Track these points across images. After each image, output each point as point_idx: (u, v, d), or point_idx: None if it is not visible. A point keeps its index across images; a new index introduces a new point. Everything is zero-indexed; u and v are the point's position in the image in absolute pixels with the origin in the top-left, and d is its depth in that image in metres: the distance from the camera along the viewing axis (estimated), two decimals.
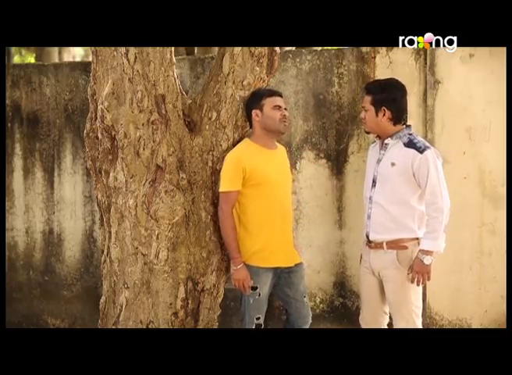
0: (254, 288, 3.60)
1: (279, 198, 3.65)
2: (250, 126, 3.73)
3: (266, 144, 3.68)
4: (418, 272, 3.43)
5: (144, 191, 3.58)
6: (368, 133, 3.72)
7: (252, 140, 3.70)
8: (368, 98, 3.56)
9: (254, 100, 3.66)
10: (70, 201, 5.05)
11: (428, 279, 3.46)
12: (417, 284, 3.46)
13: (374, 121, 3.55)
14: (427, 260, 3.41)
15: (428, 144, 3.54)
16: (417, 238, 3.49)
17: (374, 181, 3.58)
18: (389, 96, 3.52)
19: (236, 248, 3.59)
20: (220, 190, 3.62)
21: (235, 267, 3.59)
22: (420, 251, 3.43)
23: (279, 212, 3.64)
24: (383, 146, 3.58)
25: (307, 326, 3.80)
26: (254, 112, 3.65)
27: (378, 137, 3.63)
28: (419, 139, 3.53)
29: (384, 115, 3.52)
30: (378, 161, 3.58)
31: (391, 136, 3.54)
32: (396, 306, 3.54)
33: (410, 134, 3.53)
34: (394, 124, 3.53)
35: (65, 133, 5.03)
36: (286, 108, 3.69)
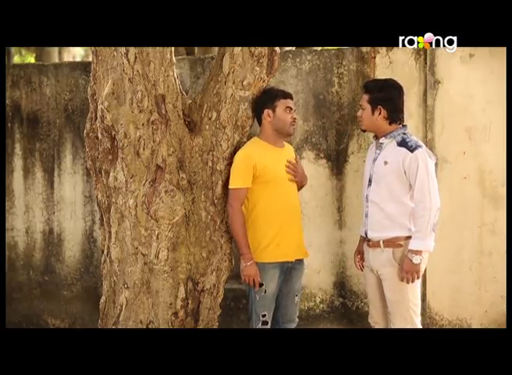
0: (260, 285, 3.62)
1: (287, 194, 3.70)
2: (259, 124, 3.76)
3: (275, 143, 3.73)
4: (408, 271, 3.44)
5: (144, 191, 3.58)
6: (363, 131, 3.79)
7: (261, 138, 3.73)
8: (365, 97, 3.61)
9: (268, 99, 3.69)
10: (70, 201, 5.05)
11: (418, 278, 3.47)
12: (407, 283, 3.47)
13: (370, 119, 3.59)
14: (416, 260, 3.42)
15: (420, 143, 3.56)
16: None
17: (370, 180, 3.62)
18: (386, 95, 3.56)
19: (247, 245, 3.61)
20: (230, 187, 3.65)
21: (245, 263, 3.62)
22: (409, 250, 3.45)
23: (288, 208, 3.68)
24: (378, 146, 3.62)
25: (293, 326, 3.81)
26: (266, 112, 3.68)
27: (376, 136, 3.66)
28: (412, 138, 3.56)
29: (380, 113, 3.55)
30: (374, 160, 3.62)
31: (385, 135, 3.57)
32: (393, 304, 3.55)
33: (404, 134, 3.56)
34: (390, 123, 3.57)
35: (65, 133, 5.03)
36: (295, 110, 3.76)
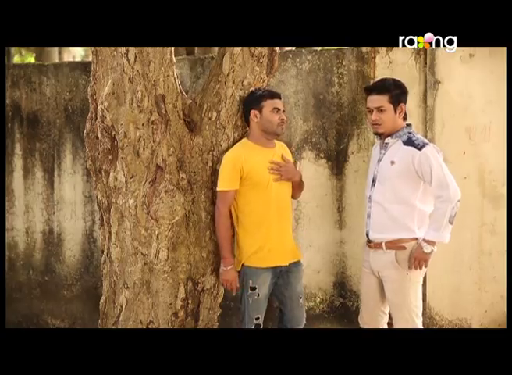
0: (252, 288, 3.60)
1: (277, 197, 3.64)
2: (248, 125, 3.73)
3: (264, 144, 3.67)
4: (416, 258, 3.45)
5: (144, 191, 3.58)
6: (380, 134, 3.61)
7: (250, 139, 3.69)
8: (383, 98, 3.51)
9: (254, 100, 3.64)
10: (70, 201, 5.04)
11: (425, 266, 3.48)
12: (414, 268, 3.46)
13: (393, 119, 3.53)
14: (426, 248, 3.42)
15: (426, 141, 3.55)
16: (417, 238, 3.49)
17: (374, 180, 3.60)
18: (403, 91, 3.56)
19: (228, 248, 3.60)
20: (217, 189, 3.63)
21: (224, 267, 3.61)
22: (422, 239, 3.45)
23: (277, 211, 3.63)
24: (384, 145, 3.59)
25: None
26: (252, 113, 3.64)
27: (380, 136, 3.63)
28: (418, 137, 3.54)
29: (401, 111, 3.53)
30: (379, 160, 3.60)
31: (391, 135, 3.55)
32: (395, 306, 3.54)
33: (410, 133, 3.54)
34: (404, 120, 3.57)
35: (65, 133, 5.03)
36: (284, 111, 3.69)
